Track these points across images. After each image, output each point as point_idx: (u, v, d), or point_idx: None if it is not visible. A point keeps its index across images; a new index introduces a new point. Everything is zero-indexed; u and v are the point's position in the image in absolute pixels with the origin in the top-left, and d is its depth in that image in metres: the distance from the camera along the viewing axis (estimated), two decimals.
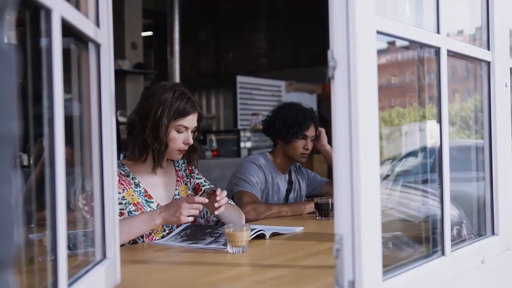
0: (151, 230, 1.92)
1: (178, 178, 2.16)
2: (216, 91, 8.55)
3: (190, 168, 2.21)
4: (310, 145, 2.72)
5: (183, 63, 7.19)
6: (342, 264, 1.02)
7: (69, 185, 1.01)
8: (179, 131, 2.00)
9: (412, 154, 1.63)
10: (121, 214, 1.90)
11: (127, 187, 1.97)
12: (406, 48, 1.44)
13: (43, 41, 0.90)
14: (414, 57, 1.47)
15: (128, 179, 2.01)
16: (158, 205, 2.03)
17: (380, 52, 1.11)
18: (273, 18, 9.36)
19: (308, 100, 7.03)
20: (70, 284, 0.97)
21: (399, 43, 1.31)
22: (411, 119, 1.55)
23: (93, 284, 1.11)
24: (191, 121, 2.02)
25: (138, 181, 2.03)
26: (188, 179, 2.19)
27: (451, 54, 1.40)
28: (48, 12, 0.89)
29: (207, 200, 1.85)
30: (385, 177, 1.43)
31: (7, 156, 0.62)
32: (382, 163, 1.09)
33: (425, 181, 1.54)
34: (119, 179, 1.95)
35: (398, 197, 1.56)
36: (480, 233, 1.62)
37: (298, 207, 2.59)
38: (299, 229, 2.11)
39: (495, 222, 1.60)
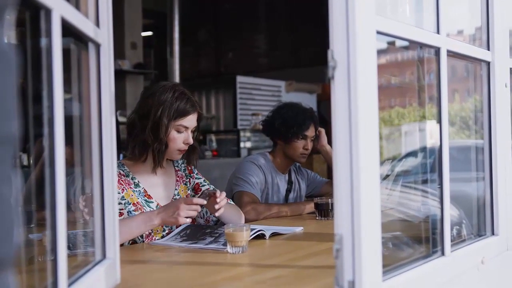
0: (151, 230, 1.92)
1: (178, 178, 2.16)
2: (216, 91, 8.55)
3: (189, 168, 2.21)
4: (310, 145, 2.72)
5: (183, 63, 7.19)
6: (342, 264, 1.02)
7: (69, 185, 1.01)
8: (179, 131, 2.00)
9: (412, 154, 1.63)
10: (120, 214, 1.90)
11: (126, 187, 1.97)
12: (406, 48, 1.44)
13: (43, 41, 0.90)
14: (414, 57, 1.47)
15: (128, 179, 2.01)
16: (157, 205, 2.03)
17: (380, 52, 1.11)
18: (273, 18, 9.36)
19: (308, 100, 7.03)
20: (70, 284, 0.97)
21: (399, 43, 1.31)
22: (411, 119, 1.55)
23: (93, 284, 1.11)
24: (191, 121, 2.02)
25: (138, 181, 2.03)
26: (188, 179, 2.19)
27: (451, 54, 1.40)
28: (48, 12, 0.89)
29: (205, 202, 1.85)
30: (385, 177, 1.43)
31: (7, 156, 0.62)
32: (382, 163, 1.09)
33: (425, 181, 1.54)
34: (119, 179, 1.95)
35: (398, 197, 1.56)
36: (480, 233, 1.62)
37: (298, 207, 2.59)
38: (299, 229, 2.11)
39: (495, 222, 1.60)
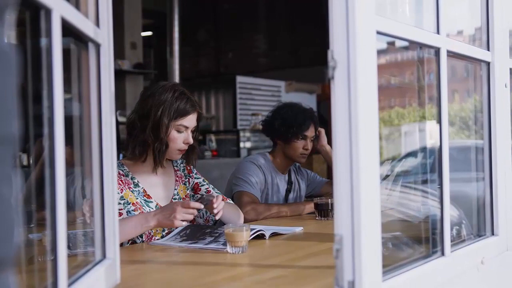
0: (151, 230, 1.92)
1: (177, 178, 2.16)
2: (215, 91, 8.56)
3: (188, 167, 2.21)
4: (309, 145, 2.72)
5: (183, 63, 7.19)
6: (342, 264, 1.02)
7: (69, 185, 1.01)
8: (179, 131, 2.01)
9: (412, 154, 1.63)
10: (119, 214, 1.90)
11: (125, 187, 1.97)
12: (406, 48, 1.44)
13: (43, 41, 0.90)
14: (414, 58, 1.47)
15: (127, 179, 2.01)
16: (157, 205, 2.03)
17: (380, 52, 1.11)
18: (273, 18, 9.36)
19: (308, 100, 7.03)
20: (70, 284, 0.97)
21: (399, 43, 1.31)
22: (411, 120, 1.55)
23: (93, 284, 1.11)
24: (191, 120, 2.02)
25: (137, 181, 2.03)
26: (187, 179, 2.19)
27: (451, 54, 1.40)
28: (48, 12, 0.89)
29: (202, 207, 1.84)
30: (385, 177, 1.43)
31: (7, 156, 0.62)
32: (382, 163, 1.09)
33: (424, 182, 1.54)
34: (118, 179, 1.95)
35: (397, 197, 1.56)
36: (479, 234, 1.62)
37: (298, 207, 2.59)
38: (298, 229, 2.11)
39: (495, 222, 1.60)
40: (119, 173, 1.98)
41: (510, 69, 1.68)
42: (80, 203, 1.36)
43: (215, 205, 1.88)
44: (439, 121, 1.34)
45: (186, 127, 2.01)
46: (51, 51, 0.89)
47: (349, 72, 1.01)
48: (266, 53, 9.52)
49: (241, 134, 7.35)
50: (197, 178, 2.22)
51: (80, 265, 1.16)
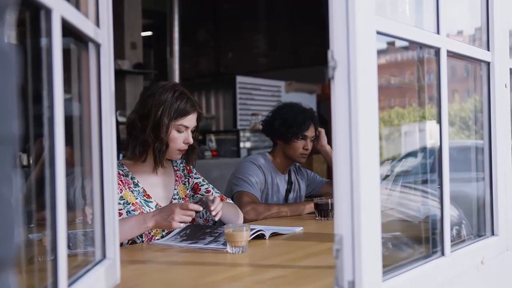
0: (151, 230, 1.92)
1: (177, 178, 2.16)
2: (215, 91, 8.56)
3: (188, 167, 2.21)
4: (309, 146, 2.72)
5: (183, 63, 7.19)
6: (342, 264, 1.02)
7: (69, 185, 1.01)
8: (179, 131, 2.01)
9: (412, 154, 1.63)
10: (119, 214, 1.90)
11: (125, 187, 1.97)
12: (405, 48, 1.44)
13: (43, 41, 0.90)
14: (414, 58, 1.47)
15: (127, 178, 2.01)
16: (157, 204, 2.03)
17: (380, 52, 1.11)
18: (273, 18, 9.36)
19: (308, 100, 7.03)
20: (70, 284, 0.97)
21: (398, 43, 1.31)
22: (411, 120, 1.55)
23: (93, 284, 1.11)
24: (191, 120, 2.02)
25: (137, 181, 2.03)
26: (187, 179, 2.19)
27: (451, 54, 1.40)
28: (48, 12, 0.89)
29: (201, 209, 1.84)
30: (384, 178, 1.43)
31: (7, 156, 0.62)
32: (382, 163, 1.09)
33: (424, 182, 1.54)
34: (118, 179, 1.95)
35: (397, 197, 1.56)
36: (479, 234, 1.62)
37: (298, 207, 2.59)
38: (298, 229, 2.11)
39: (495, 222, 1.60)
40: (119, 173, 1.98)
41: (510, 69, 1.68)
42: (80, 203, 1.37)
43: (212, 208, 1.88)
44: (439, 121, 1.34)
45: (186, 127, 2.02)
46: (51, 51, 0.89)
47: (349, 72, 1.01)
48: (266, 53, 9.52)
49: (241, 134, 7.35)
50: (197, 178, 2.22)
51: (80, 265, 1.16)
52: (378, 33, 1.08)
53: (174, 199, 2.10)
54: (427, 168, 1.49)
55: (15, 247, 0.62)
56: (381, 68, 1.10)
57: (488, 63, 1.60)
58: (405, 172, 1.61)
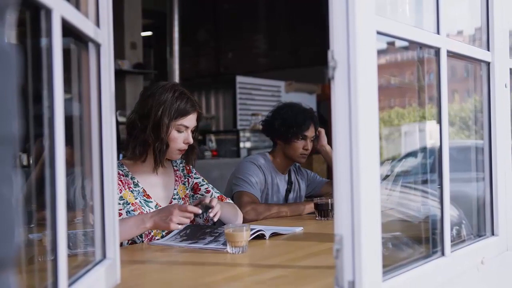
0: (151, 230, 1.92)
1: (177, 178, 2.16)
2: (215, 91, 8.56)
3: (188, 167, 2.21)
4: (309, 146, 2.72)
5: (183, 63, 7.19)
6: (342, 264, 1.02)
7: (69, 185, 1.01)
8: (179, 131, 2.01)
9: (412, 154, 1.63)
10: (119, 214, 1.90)
11: (124, 187, 1.97)
12: (406, 48, 1.44)
13: (43, 41, 0.90)
14: (414, 58, 1.47)
15: (127, 178, 2.01)
16: (157, 204, 2.03)
17: (380, 52, 1.11)
18: (273, 18, 9.36)
19: (308, 101, 7.03)
20: (70, 284, 0.97)
21: (398, 43, 1.31)
22: (411, 120, 1.55)
23: (93, 284, 1.11)
24: (191, 120, 2.03)
25: (137, 181, 2.03)
26: (186, 179, 2.19)
27: (451, 54, 1.40)
28: (48, 12, 0.89)
29: (200, 212, 1.84)
30: (384, 178, 1.43)
31: (7, 156, 0.62)
32: (382, 163, 1.09)
33: (424, 182, 1.54)
34: (118, 179, 1.95)
35: (397, 197, 1.56)
36: (479, 234, 1.62)
37: (298, 207, 2.59)
38: (298, 229, 2.11)
39: (495, 222, 1.60)
40: (118, 173, 1.98)
41: (510, 69, 1.68)
42: (80, 203, 1.37)
43: (211, 215, 1.90)
44: (439, 121, 1.34)
45: (186, 127, 2.02)
46: (51, 51, 0.89)
47: (349, 72, 1.01)
48: (266, 53, 9.52)
49: (241, 134, 7.35)
50: (197, 178, 2.22)
51: (80, 265, 1.16)
52: (378, 33, 1.08)
53: (174, 199, 2.11)
54: (427, 168, 1.49)
55: (15, 247, 0.62)
56: (381, 68, 1.10)
57: (488, 63, 1.60)
58: (405, 172, 1.61)
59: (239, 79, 8.09)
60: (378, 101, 1.07)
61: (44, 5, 0.87)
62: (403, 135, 1.53)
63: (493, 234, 1.60)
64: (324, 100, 7.57)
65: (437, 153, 1.35)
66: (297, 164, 2.87)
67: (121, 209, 1.92)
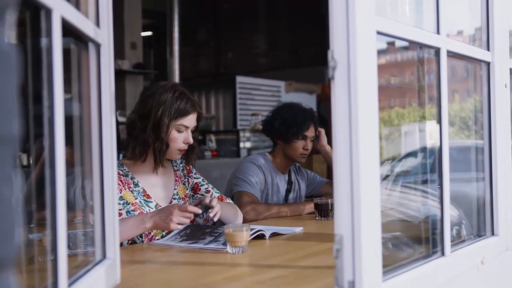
0: (151, 230, 1.92)
1: (177, 178, 2.16)
2: (215, 91, 8.56)
3: (188, 167, 2.22)
4: (309, 146, 2.72)
5: (183, 63, 7.19)
6: (342, 264, 1.02)
7: (69, 185, 1.01)
8: (179, 131, 2.01)
9: (412, 154, 1.63)
10: (119, 214, 1.90)
11: (124, 187, 1.97)
12: (406, 48, 1.44)
13: (43, 41, 0.90)
14: (414, 58, 1.47)
15: (127, 178, 2.01)
16: (157, 204, 2.03)
17: (380, 52, 1.11)
18: (273, 18, 9.36)
19: (308, 100, 7.03)
20: (70, 284, 0.97)
21: (398, 43, 1.31)
22: (411, 120, 1.55)
23: (93, 284, 1.11)
24: (191, 120, 2.03)
25: (137, 181, 2.03)
26: (186, 179, 2.19)
27: (451, 54, 1.40)
28: (48, 12, 0.89)
29: (200, 212, 1.84)
30: (384, 178, 1.43)
31: (7, 156, 0.62)
32: (381, 163, 1.09)
33: (424, 182, 1.54)
34: (118, 179, 1.95)
35: (397, 197, 1.56)
36: (479, 234, 1.62)
37: (298, 207, 2.60)
38: (298, 229, 2.11)
39: (495, 222, 1.60)
40: (118, 173, 1.98)
41: (510, 69, 1.68)
42: (80, 203, 1.37)
43: (211, 215, 1.90)
44: (439, 121, 1.34)
45: (186, 127, 2.02)
46: (51, 51, 0.89)
47: (349, 72, 1.01)
48: (266, 53, 9.52)
49: (241, 134, 7.35)
50: (197, 178, 2.22)
51: (80, 265, 1.16)
52: (378, 33, 1.08)
53: (174, 199, 2.11)
54: (427, 168, 1.49)
55: (15, 247, 0.62)
56: (381, 68, 1.10)
57: (488, 63, 1.60)
58: (405, 172, 1.61)
59: (239, 79, 8.09)
60: (378, 101, 1.07)
61: (44, 5, 0.87)
62: (403, 135, 1.53)
63: (493, 234, 1.60)
64: (324, 100, 7.57)
65: (437, 153, 1.35)
66: (297, 164, 2.87)
67: (121, 209, 1.92)
